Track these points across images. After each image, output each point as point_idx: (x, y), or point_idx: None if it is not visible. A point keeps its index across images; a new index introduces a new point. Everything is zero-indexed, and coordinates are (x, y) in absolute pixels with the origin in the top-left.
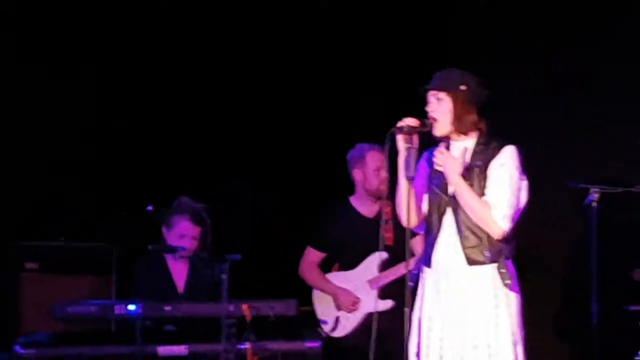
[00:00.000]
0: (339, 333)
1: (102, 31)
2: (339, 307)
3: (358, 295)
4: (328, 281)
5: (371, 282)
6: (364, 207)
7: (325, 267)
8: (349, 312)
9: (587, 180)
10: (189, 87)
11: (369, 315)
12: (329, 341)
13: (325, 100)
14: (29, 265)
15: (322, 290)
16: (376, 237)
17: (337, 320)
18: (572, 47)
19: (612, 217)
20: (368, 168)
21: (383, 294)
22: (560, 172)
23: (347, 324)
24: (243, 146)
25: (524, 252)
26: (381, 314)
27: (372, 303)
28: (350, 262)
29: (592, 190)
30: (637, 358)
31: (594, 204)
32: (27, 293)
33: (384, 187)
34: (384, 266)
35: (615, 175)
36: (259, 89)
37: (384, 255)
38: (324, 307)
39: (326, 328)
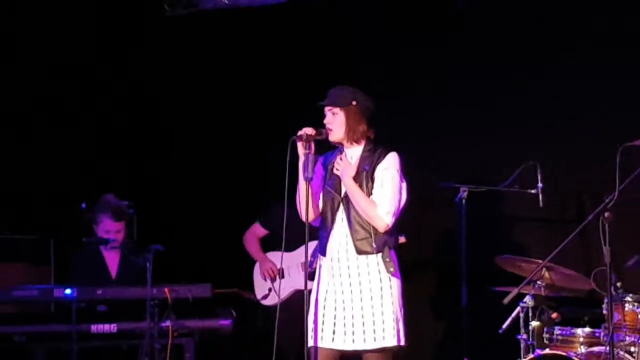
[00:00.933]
0: (268, 302)
1: None
2: (273, 280)
3: (290, 274)
4: (260, 251)
5: (303, 264)
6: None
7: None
8: (264, 278)
9: (457, 181)
10: (118, 89)
11: (296, 292)
12: (262, 309)
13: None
14: None
15: (253, 257)
16: (316, 228)
17: (269, 291)
18: (434, 60)
19: (478, 211)
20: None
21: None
22: (434, 174)
23: (277, 295)
24: (170, 146)
25: (406, 243)
26: (309, 291)
27: (301, 282)
28: (291, 245)
29: (461, 189)
30: (501, 332)
31: (463, 201)
32: None
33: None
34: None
35: (481, 176)
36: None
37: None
38: (260, 279)
39: (259, 296)
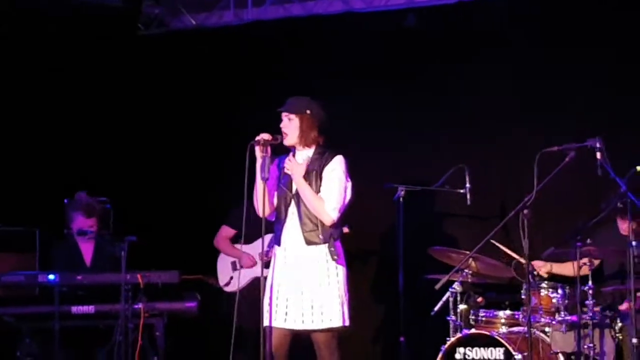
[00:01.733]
0: (231, 288)
1: None
2: (234, 268)
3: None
4: (235, 248)
5: (260, 255)
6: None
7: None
8: (247, 269)
9: (396, 182)
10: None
11: (254, 279)
12: (223, 294)
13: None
14: None
15: (231, 255)
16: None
17: (230, 279)
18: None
19: (414, 208)
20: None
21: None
22: (376, 175)
23: (237, 282)
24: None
25: (351, 235)
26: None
27: (259, 271)
28: (250, 238)
29: (399, 188)
30: (432, 314)
31: (401, 199)
32: None
33: None
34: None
35: (417, 177)
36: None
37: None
38: (222, 270)
39: (222, 283)
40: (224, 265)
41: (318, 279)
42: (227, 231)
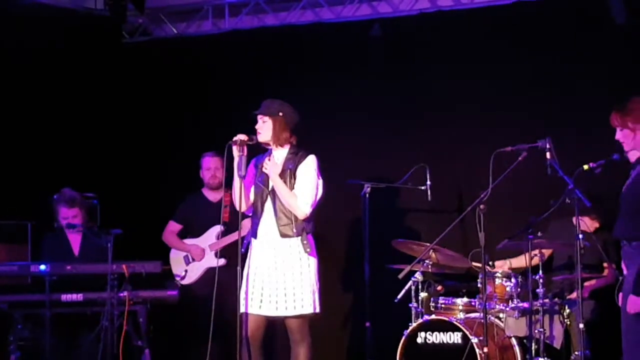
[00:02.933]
0: (187, 281)
1: None
2: (187, 261)
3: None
4: (183, 242)
5: (211, 246)
6: (211, 195)
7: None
8: (198, 260)
9: (362, 179)
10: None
11: (209, 269)
12: (182, 288)
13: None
14: None
15: (179, 249)
16: (217, 215)
17: (185, 272)
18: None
19: (379, 204)
20: (203, 168)
21: (219, 254)
22: (345, 173)
23: (192, 275)
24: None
25: (321, 228)
26: (218, 268)
27: (211, 260)
28: (197, 231)
29: (365, 185)
30: (396, 301)
31: (367, 195)
32: None
33: (214, 181)
34: (220, 236)
35: (382, 175)
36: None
37: (221, 227)
38: (176, 264)
39: (178, 278)
40: (176, 260)
41: (291, 269)
42: (173, 226)
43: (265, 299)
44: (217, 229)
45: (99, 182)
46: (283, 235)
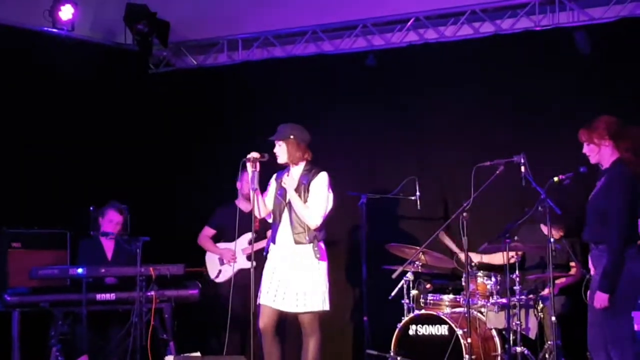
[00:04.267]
0: (220, 279)
1: None
2: (221, 262)
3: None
4: (216, 246)
5: (243, 250)
6: (242, 205)
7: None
8: (228, 262)
9: (360, 191)
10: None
11: (240, 271)
12: (215, 284)
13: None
14: (14, 244)
15: (213, 252)
16: (248, 224)
17: (219, 271)
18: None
19: (375, 212)
20: (243, 181)
21: (250, 258)
22: (345, 185)
23: (226, 274)
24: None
25: (330, 236)
26: (248, 269)
27: (242, 263)
28: (231, 237)
29: (362, 196)
30: (390, 298)
31: (364, 205)
32: (13, 262)
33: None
34: (251, 242)
35: (378, 187)
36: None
37: (252, 235)
38: (211, 264)
39: (212, 276)
40: (211, 261)
41: (304, 272)
42: (208, 231)
43: (279, 296)
44: (248, 236)
45: (128, 193)
46: (297, 242)
